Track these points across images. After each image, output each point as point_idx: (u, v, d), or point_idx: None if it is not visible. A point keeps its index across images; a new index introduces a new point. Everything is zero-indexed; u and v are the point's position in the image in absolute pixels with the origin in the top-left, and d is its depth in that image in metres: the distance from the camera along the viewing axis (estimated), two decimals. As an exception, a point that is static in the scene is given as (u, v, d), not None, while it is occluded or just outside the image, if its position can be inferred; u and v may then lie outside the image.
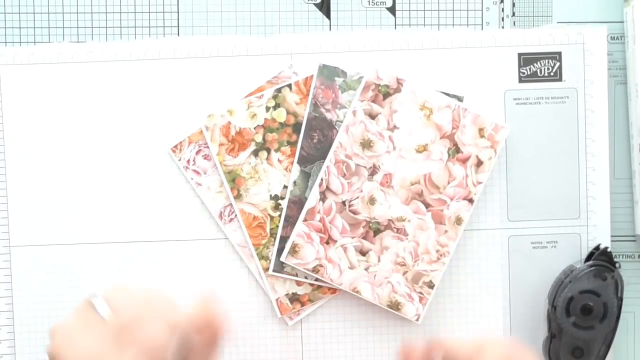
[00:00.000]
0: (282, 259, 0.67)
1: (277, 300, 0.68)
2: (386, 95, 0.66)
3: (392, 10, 0.70)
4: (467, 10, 0.70)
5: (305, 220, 0.67)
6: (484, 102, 0.69)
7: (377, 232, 0.67)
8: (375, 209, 0.67)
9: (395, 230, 0.67)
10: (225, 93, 0.68)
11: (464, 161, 0.67)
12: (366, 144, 0.66)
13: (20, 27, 0.69)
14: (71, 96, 0.68)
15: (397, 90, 0.66)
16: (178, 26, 0.70)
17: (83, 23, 0.69)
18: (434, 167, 0.67)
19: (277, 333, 0.69)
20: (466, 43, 0.69)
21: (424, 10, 0.70)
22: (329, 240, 0.67)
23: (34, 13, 0.69)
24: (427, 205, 0.67)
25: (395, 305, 0.67)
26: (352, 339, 0.69)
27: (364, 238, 0.67)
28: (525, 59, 0.69)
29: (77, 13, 0.69)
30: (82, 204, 0.68)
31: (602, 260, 0.67)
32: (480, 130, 0.67)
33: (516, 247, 0.69)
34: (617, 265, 0.67)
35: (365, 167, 0.67)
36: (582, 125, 0.69)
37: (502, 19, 0.70)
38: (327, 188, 0.67)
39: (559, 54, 0.69)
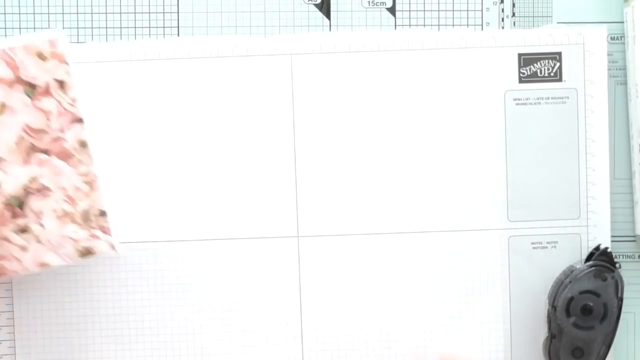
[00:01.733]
0: None
1: None
2: None
3: (392, 10, 0.70)
4: (467, 10, 0.70)
5: None
6: (484, 102, 0.69)
7: (21, 205, 0.63)
8: (3, 186, 0.63)
9: (36, 191, 0.63)
10: (225, 93, 0.68)
11: (47, 92, 0.63)
12: None
13: (20, 28, 0.69)
14: (71, 96, 0.68)
15: None
16: (178, 26, 0.70)
17: (83, 23, 0.69)
18: (26, 116, 0.63)
19: (276, 333, 0.69)
20: (466, 43, 0.69)
21: (424, 10, 0.70)
22: None
23: (34, 13, 0.69)
24: (47, 152, 0.63)
25: (87, 252, 0.64)
26: (352, 339, 0.69)
27: (14, 217, 0.63)
28: (525, 59, 0.69)
29: (77, 13, 0.69)
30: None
31: (602, 261, 0.67)
32: (39, 55, 0.63)
33: (516, 248, 0.69)
34: (617, 265, 0.67)
35: None
36: (582, 125, 0.69)
37: (502, 19, 0.70)
38: None
39: (559, 54, 0.69)
